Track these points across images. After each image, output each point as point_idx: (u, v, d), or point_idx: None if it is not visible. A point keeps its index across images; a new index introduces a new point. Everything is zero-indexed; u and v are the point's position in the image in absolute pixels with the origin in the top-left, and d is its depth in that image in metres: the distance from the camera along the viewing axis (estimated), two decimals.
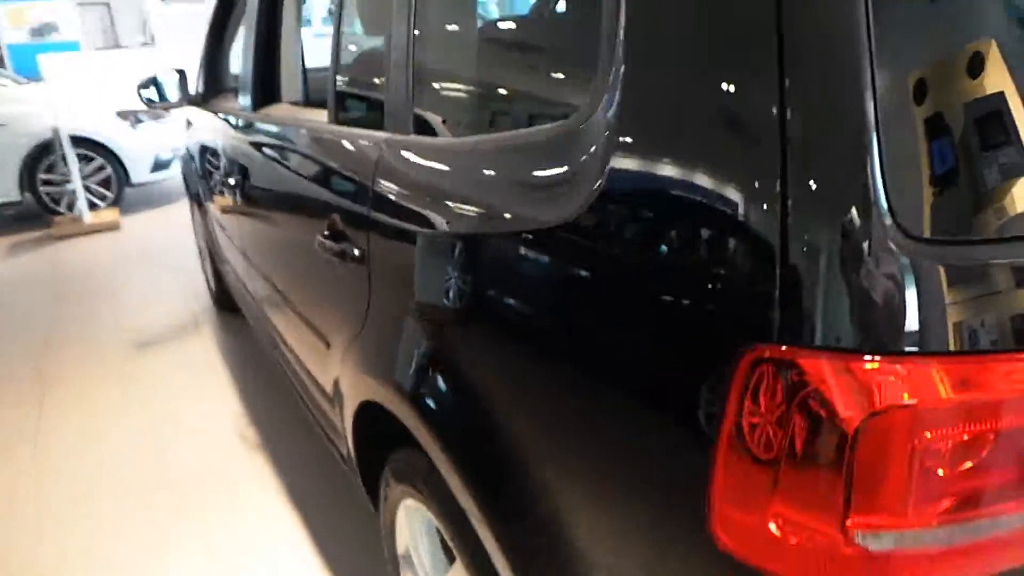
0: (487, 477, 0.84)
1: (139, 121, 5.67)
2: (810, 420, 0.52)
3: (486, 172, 0.85)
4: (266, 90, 1.85)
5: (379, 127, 1.14)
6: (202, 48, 2.64)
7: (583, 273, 0.69)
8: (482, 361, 0.85)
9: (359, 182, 1.13)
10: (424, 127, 1.04)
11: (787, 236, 0.51)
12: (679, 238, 0.59)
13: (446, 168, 0.94)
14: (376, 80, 1.16)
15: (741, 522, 0.56)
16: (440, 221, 0.92)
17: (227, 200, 2.19)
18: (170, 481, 2.13)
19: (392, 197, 1.05)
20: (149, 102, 2.62)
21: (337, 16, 1.30)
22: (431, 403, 0.95)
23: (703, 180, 0.57)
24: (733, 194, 0.55)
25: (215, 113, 2.45)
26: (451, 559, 1.17)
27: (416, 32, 1.04)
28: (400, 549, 1.36)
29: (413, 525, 1.23)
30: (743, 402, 0.55)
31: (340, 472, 2.08)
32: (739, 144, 0.55)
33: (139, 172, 5.50)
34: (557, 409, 0.73)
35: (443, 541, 1.18)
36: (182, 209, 5.67)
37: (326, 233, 1.23)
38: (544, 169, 0.74)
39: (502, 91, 1.05)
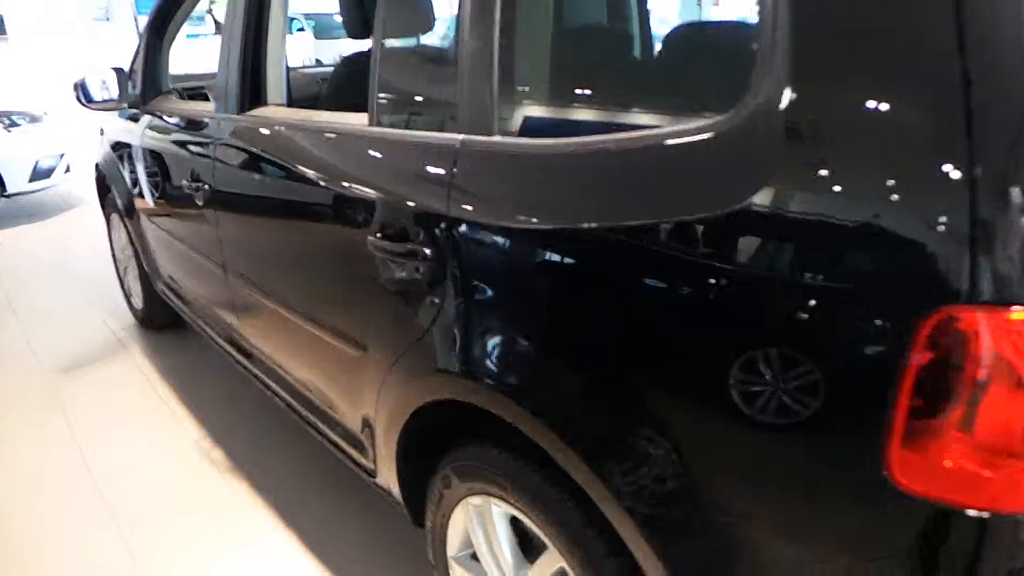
0: (630, 463, 0.87)
1: (13, 124, 5.13)
2: (987, 373, 0.61)
3: (612, 171, 0.88)
4: (253, 92, 1.76)
5: (445, 129, 1.14)
6: (140, 48, 2.46)
7: (752, 256, 0.74)
8: (612, 350, 0.88)
9: (433, 183, 1.12)
10: (510, 128, 1.05)
11: (976, 208, 0.59)
12: (860, 224, 0.66)
13: (552, 168, 0.96)
14: (443, 81, 1.15)
15: (921, 463, 0.65)
16: (550, 217, 0.94)
17: (189, 210, 2.06)
18: (144, 513, 1.97)
19: (479, 197, 1.05)
20: (88, 100, 2.41)
21: (382, 22, 1.28)
22: (549, 396, 0.96)
23: (891, 162, 0.64)
24: (922, 173, 0.63)
25: (163, 116, 2.30)
26: (530, 550, 1.19)
27: (500, 31, 1.04)
28: (452, 551, 1.35)
29: (483, 522, 1.24)
30: (923, 358, 0.63)
31: (333, 483, 2.02)
32: (926, 126, 0.63)
33: (15, 181, 4.98)
34: (714, 382, 0.77)
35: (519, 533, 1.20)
36: (68, 221, 5.20)
37: (381, 235, 1.21)
38: (703, 161, 0.78)
39: (615, 92, 1.07)
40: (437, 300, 1.14)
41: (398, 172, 1.22)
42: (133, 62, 2.54)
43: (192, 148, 2.01)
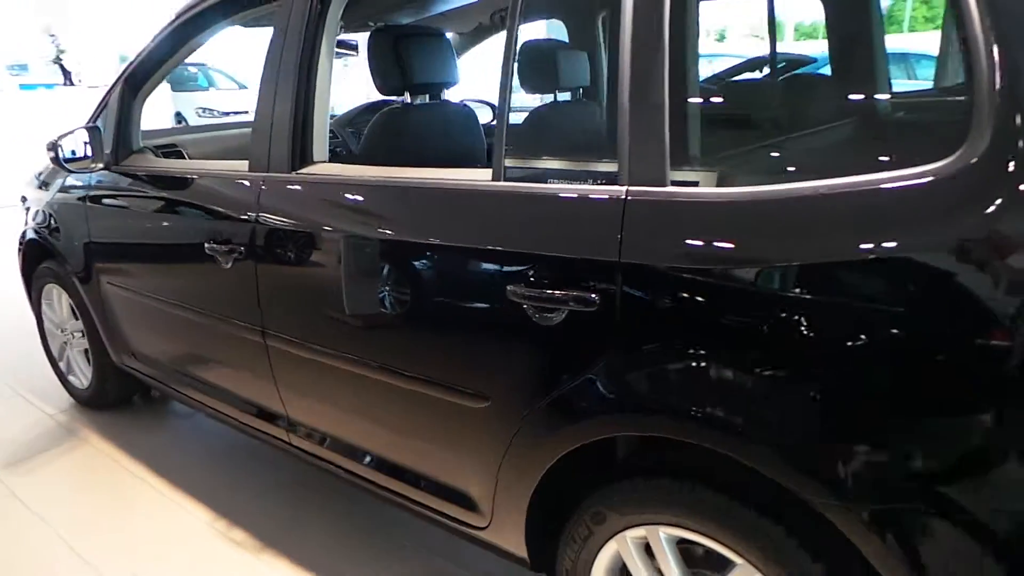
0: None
1: None
2: None
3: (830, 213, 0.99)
4: (303, 151, 1.71)
5: (600, 181, 1.20)
6: (109, 104, 2.29)
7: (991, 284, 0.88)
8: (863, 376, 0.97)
9: (597, 233, 1.18)
10: (686, 177, 1.14)
11: None
12: None
13: (754, 213, 1.05)
14: (595, 134, 1.22)
15: None
16: (750, 259, 1.04)
17: (204, 274, 1.94)
18: None
19: (656, 244, 1.12)
20: (66, 161, 2.19)
21: (507, 69, 1.33)
22: (775, 430, 1.04)
23: None
24: None
25: (148, 176, 2.15)
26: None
27: (669, 74, 1.12)
28: None
29: (641, 552, 1.28)
30: None
31: (384, 547, 1.96)
32: None
33: None
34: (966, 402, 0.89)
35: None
36: None
37: (527, 285, 1.24)
38: (930, 201, 0.91)
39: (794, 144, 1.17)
40: (598, 347, 1.19)
41: (545, 224, 1.26)
42: (96, 119, 2.36)
43: (213, 209, 1.90)
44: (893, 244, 0.93)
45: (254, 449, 2.56)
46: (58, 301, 2.81)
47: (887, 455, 0.97)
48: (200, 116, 12.06)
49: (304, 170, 1.70)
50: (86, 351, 2.78)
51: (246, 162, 1.85)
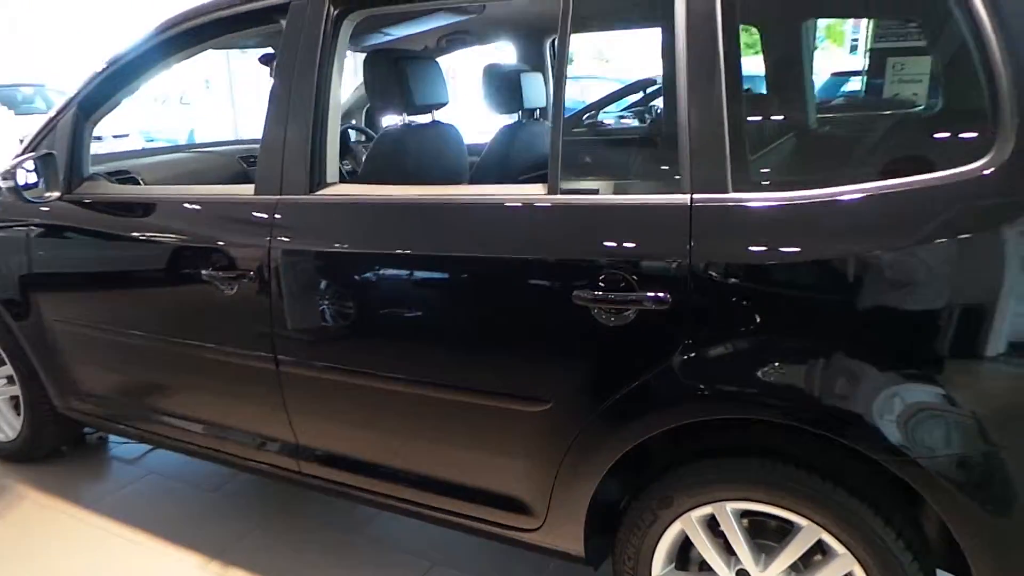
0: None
1: None
2: None
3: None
4: (322, 169, 1.70)
5: (660, 190, 1.32)
6: (57, 128, 2.11)
7: None
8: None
9: (667, 239, 1.30)
10: (745, 182, 1.28)
11: None
12: None
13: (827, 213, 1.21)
14: (652, 145, 1.33)
15: None
16: (831, 250, 1.20)
17: (194, 305, 1.87)
18: None
19: (727, 245, 1.26)
20: (24, 188, 1.99)
21: (559, 89, 1.42)
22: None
23: None
24: None
25: (110, 204, 2.02)
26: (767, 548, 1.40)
27: (726, 89, 1.27)
28: (657, 570, 1.49)
29: (707, 528, 1.41)
30: None
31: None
32: None
33: None
34: None
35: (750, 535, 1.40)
36: None
37: (593, 289, 1.34)
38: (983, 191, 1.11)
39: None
40: (666, 347, 1.31)
41: (613, 231, 1.36)
42: (38, 145, 2.17)
43: (210, 235, 1.83)
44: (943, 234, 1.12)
45: (219, 483, 2.44)
46: None
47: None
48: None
49: (323, 192, 1.69)
50: (13, 399, 2.51)
51: (247, 186, 1.81)
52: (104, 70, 2.06)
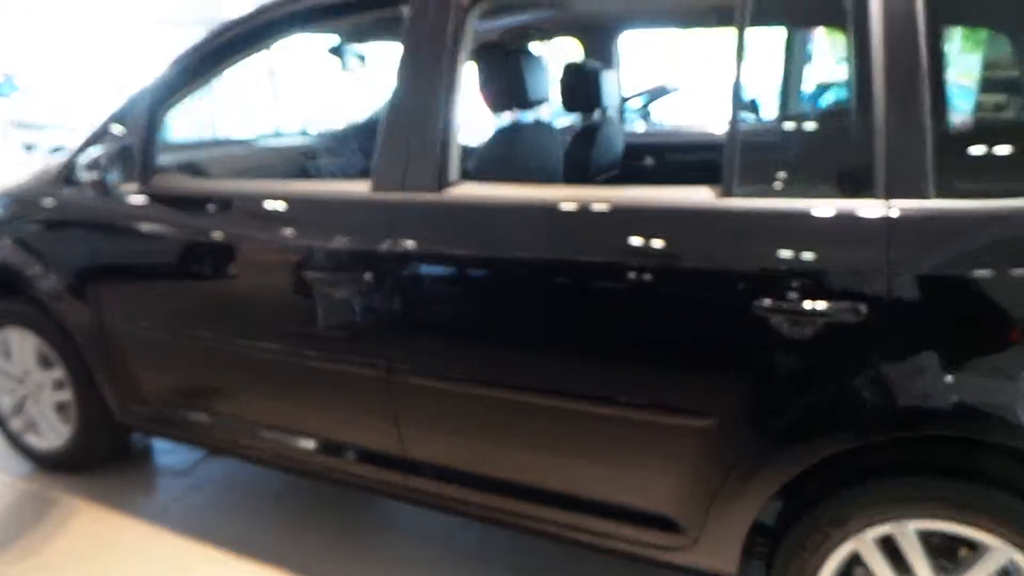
0: None
1: None
2: None
3: None
4: (450, 166, 1.59)
5: (853, 194, 1.26)
6: (137, 114, 1.97)
7: None
8: None
9: (862, 248, 1.23)
10: (948, 189, 1.22)
11: None
12: None
13: None
14: (833, 144, 1.26)
15: None
16: None
17: (293, 307, 1.76)
18: None
19: (932, 254, 1.21)
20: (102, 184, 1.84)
21: (737, 87, 1.34)
22: None
23: None
24: None
25: (197, 199, 1.89)
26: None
27: (930, 93, 1.20)
28: None
29: (877, 549, 1.35)
30: None
31: None
32: None
33: None
34: None
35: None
36: None
37: (779, 299, 1.27)
38: None
39: None
40: (872, 349, 1.25)
41: (797, 239, 1.29)
42: (104, 133, 2.02)
43: (318, 234, 1.71)
44: None
45: (279, 490, 2.31)
46: (18, 348, 2.35)
47: None
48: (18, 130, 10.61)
49: (452, 191, 1.59)
50: (60, 404, 2.35)
51: (359, 182, 1.70)
52: (187, 56, 1.92)
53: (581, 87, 2.35)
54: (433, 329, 1.63)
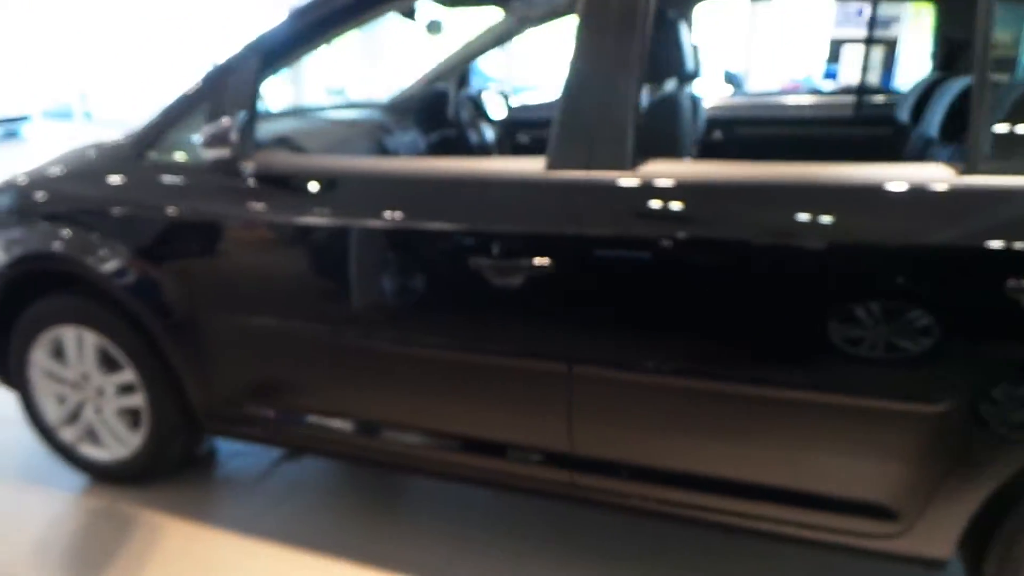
0: None
1: None
2: None
3: None
4: (639, 142, 1.46)
5: None
6: (239, 82, 1.73)
7: None
8: None
9: None
10: None
11: None
12: None
13: None
14: None
15: None
16: None
17: (453, 298, 1.60)
18: None
19: None
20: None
21: (984, 47, 1.26)
22: None
23: None
24: None
25: (319, 178, 1.69)
26: None
27: None
28: None
29: None
30: None
31: None
32: None
33: None
34: None
35: None
36: None
37: None
38: None
39: None
40: None
41: None
42: (194, 103, 1.78)
43: (484, 216, 1.55)
44: None
45: (370, 486, 2.16)
46: (74, 349, 2.08)
47: None
48: None
49: (644, 168, 1.47)
50: (127, 410, 2.10)
51: (531, 159, 1.55)
52: (301, 14, 1.70)
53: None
54: (623, 317, 1.51)
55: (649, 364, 1.52)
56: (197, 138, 1.68)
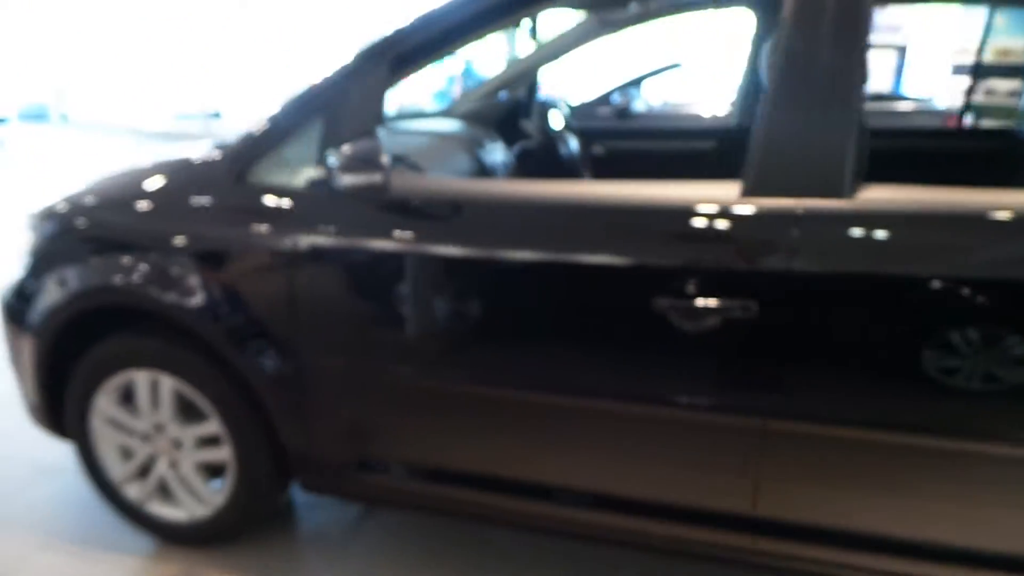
0: None
1: None
2: None
3: None
4: (859, 165, 1.27)
5: None
6: (362, 90, 1.49)
7: None
8: None
9: None
10: None
11: None
12: None
13: None
14: None
15: None
16: None
17: (618, 349, 1.40)
18: None
19: None
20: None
21: None
22: None
23: None
24: None
25: (486, 205, 1.47)
26: None
27: None
28: None
29: None
30: None
31: None
32: None
33: None
34: None
35: None
36: None
37: None
38: None
39: None
40: None
41: None
42: (299, 119, 1.55)
43: (674, 251, 1.35)
44: None
45: (482, 535, 1.94)
46: (146, 396, 1.82)
47: None
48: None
49: (863, 195, 1.28)
50: (206, 465, 1.86)
51: (717, 185, 1.36)
52: (447, 12, 1.48)
53: None
54: (839, 364, 1.32)
55: (864, 418, 1.33)
56: (332, 160, 1.44)
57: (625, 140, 3.00)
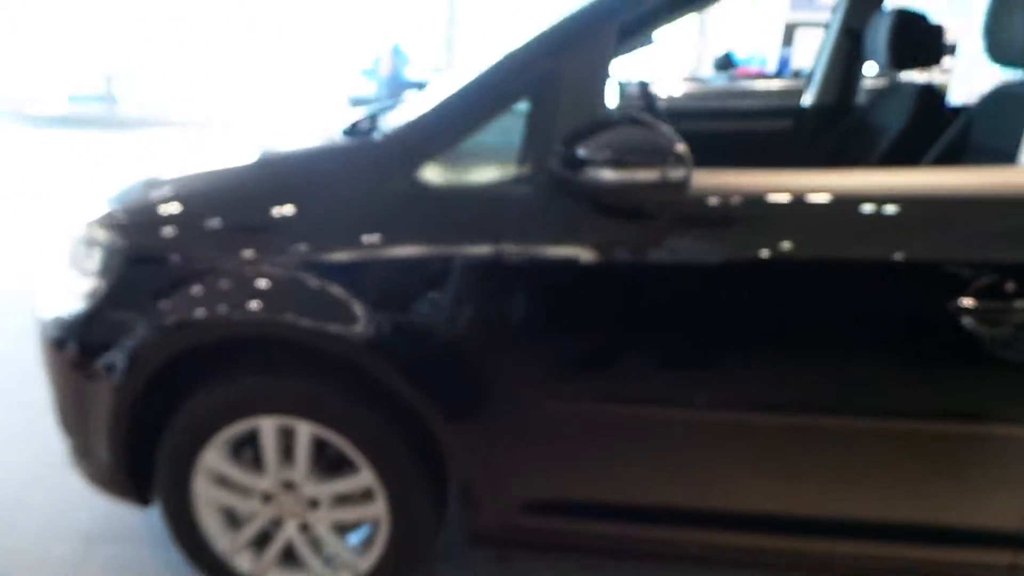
0: None
1: None
2: None
3: None
4: None
5: None
6: (570, 66, 1.20)
7: None
8: None
9: None
10: None
11: None
12: None
13: None
14: None
15: None
16: None
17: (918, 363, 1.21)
18: None
19: None
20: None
21: None
22: None
23: None
24: None
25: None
26: None
27: None
28: None
29: None
30: None
31: None
32: None
33: None
34: None
35: None
36: None
37: None
38: None
39: None
40: None
41: None
42: (495, 103, 1.25)
43: (955, 245, 1.18)
44: None
45: None
46: (273, 448, 1.46)
47: None
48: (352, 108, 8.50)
49: None
50: (345, 525, 1.53)
51: (1000, 169, 1.19)
52: None
53: (919, 41, 1.96)
54: None
55: None
56: (585, 152, 1.15)
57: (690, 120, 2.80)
